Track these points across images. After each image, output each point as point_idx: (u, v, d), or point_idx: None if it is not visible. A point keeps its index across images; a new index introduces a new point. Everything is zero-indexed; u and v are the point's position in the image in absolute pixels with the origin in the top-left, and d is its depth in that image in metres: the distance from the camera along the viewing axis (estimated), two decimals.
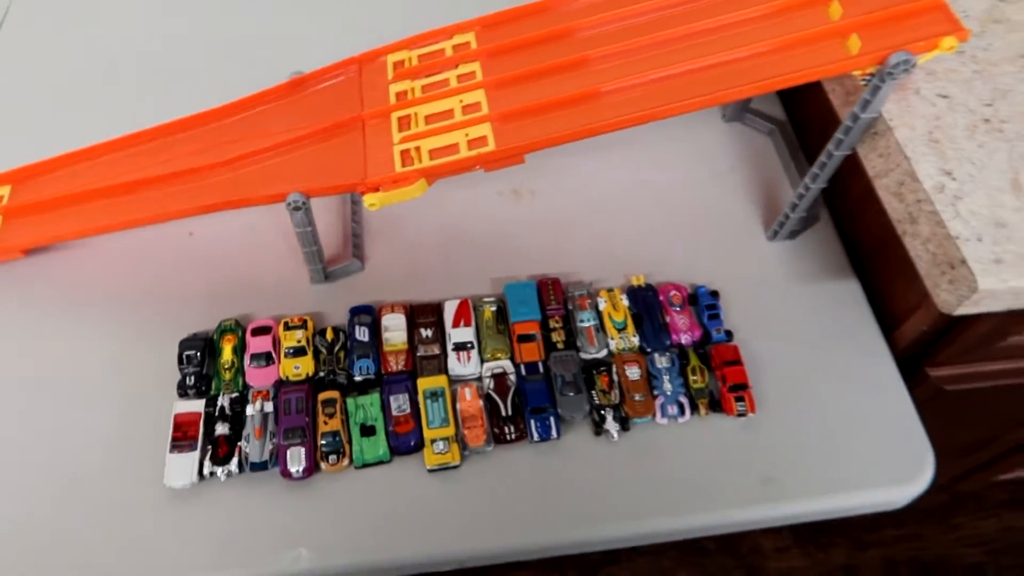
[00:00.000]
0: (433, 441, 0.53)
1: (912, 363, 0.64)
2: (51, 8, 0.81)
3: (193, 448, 0.52)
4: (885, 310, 0.63)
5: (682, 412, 0.56)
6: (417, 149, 0.53)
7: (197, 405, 0.54)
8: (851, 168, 0.57)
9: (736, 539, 1.19)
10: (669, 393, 0.57)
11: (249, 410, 0.54)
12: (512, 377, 0.57)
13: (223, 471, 0.52)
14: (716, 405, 0.57)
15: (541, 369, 0.57)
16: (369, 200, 0.52)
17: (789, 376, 0.59)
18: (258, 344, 0.57)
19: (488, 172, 0.53)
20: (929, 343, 0.62)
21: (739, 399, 0.56)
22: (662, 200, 0.69)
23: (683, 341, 0.60)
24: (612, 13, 0.55)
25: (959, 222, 0.48)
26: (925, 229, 0.50)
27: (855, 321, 0.62)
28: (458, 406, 0.55)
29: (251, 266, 0.63)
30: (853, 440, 0.56)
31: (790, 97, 0.75)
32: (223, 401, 0.54)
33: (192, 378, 0.55)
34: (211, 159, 0.56)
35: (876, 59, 0.49)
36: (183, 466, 0.52)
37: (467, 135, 0.53)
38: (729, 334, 0.60)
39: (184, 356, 0.56)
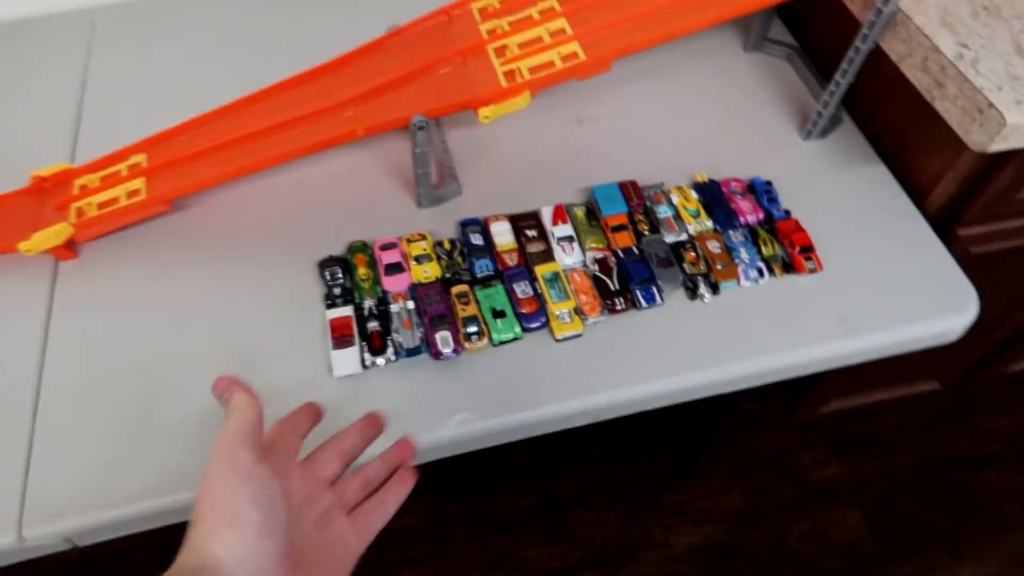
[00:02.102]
0: (558, 314, 0.62)
1: (943, 227, 0.74)
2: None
3: (352, 343, 0.60)
4: (912, 186, 0.73)
5: (761, 275, 0.66)
6: (518, 68, 0.62)
7: (346, 311, 0.62)
8: (866, 75, 0.68)
9: (777, 456, 1.28)
10: (748, 261, 0.66)
11: (394, 308, 0.62)
12: (612, 260, 0.65)
13: (382, 359, 0.59)
14: (789, 267, 0.66)
15: (636, 252, 0.66)
16: (483, 112, 0.61)
17: (842, 242, 0.68)
18: (389, 256, 0.65)
19: (581, 80, 0.62)
20: (956, 205, 0.72)
21: (807, 258, 0.66)
22: (704, 115, 0.79)
23: (749, 221, 0.69)
24: None
25: (981, 78, 0.58)
26: (952, 89, 0.60)
27: (888, 195, 0.73)
28: (571, 287, 0.63)
29: (361, 201, 0.71)
30: (907, 285, 0.66)
31: (800, 27, 0.86)
32: (368, 304, 0.62)
33: (338, 290, 0.63)
34: (330, 102, 0.64)
35: None
36: (347, 359, 0.59)
37: (559, 53, 0.62)
38: (787, 212, 0.70)
39: (326, 273, 0.64)
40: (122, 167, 0.67)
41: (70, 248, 0.65)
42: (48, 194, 0.67)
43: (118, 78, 0.82)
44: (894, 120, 0.73)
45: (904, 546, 1.21)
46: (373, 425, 0.52)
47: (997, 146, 0.58)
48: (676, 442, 1.28)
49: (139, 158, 0.67)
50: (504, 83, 0.61)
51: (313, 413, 0.52)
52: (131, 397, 0.58)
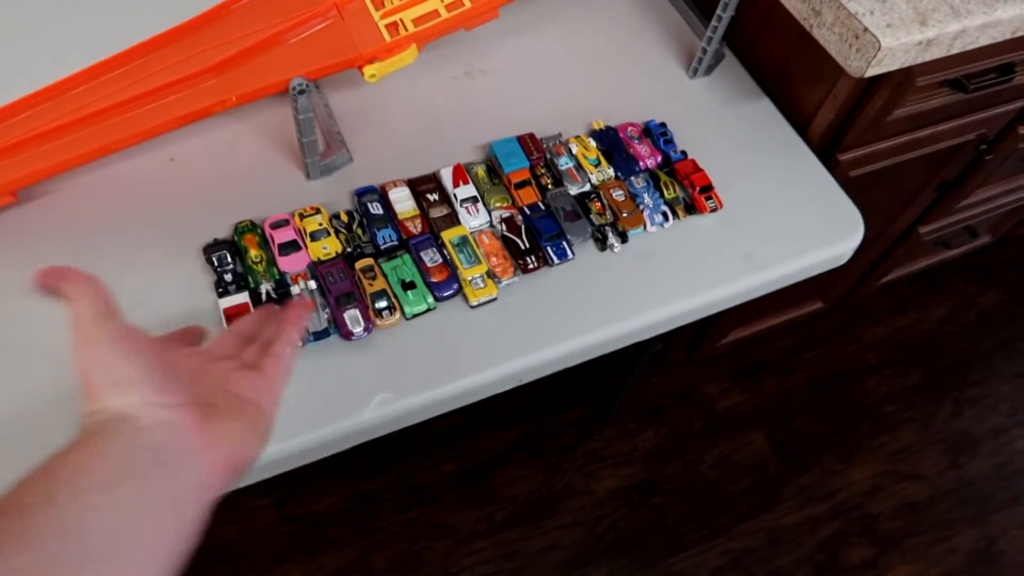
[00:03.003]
0: (470, 280, 0.59)
1: (827, 155, 0.77)
2: None
3: None
4: (795, 117, 0.75)
5: (666, 219, 0.66)
6: (401, 21, 0.58)
7: (242, 297, 0.57)
8: (744, 9, 0.69)
9: (685, 391, 1.33)
10: (652, 206, 0.66)
11: (294, 290, 0.57)
12: (519, 218, 0.63)
13: None
14: (691, 208, 0.67)
15: (542, 207, 0.64)
16: (369, 71, 0.56)
17: (737, 178, 0.69)
18: (282, 235, 0.60)
19: (469, 31, 0.59)
20: (836, 132, 0.75)
21: (708, 198, 0.67)
22: (594, 60, 0.77)
23: (649, 165, 0.69)
24: None
25: (854, 3, 0.60)
26: (829, 16, 0.61)
27: (774, 128, 0.75)
28: (480, 250, 0.61)
29: (243, 176, 0.65)
30: (800, 215, 0.68)
31: None
32: (265, 288, 0.57)
33: (229, 276, 0.57)
34: (194, 68, 0.58)
35: None
36: None
37: (443, 1, 0.58)
38: (684, 153, 0.70)
39: (213, 258, 0.58)
40: None
41: None
42: None
43: None
44: (774, 52, 0.75)
45: (804, 459, 1.29)
46: (274, 313, 0.47)
47: (873, 70, 0.60)
48: (590, 391, 1.30)
49: None
50: (388, 37, 0.57)
51: (194, 336, 0.47)
52: (23, 415, 0.51)
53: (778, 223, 0.67)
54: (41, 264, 0.47)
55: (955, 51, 0.63)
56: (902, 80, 0.68)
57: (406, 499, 1.18)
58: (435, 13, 0.58)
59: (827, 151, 0.76)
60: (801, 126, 0.75)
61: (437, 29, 0.57)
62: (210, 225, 0.61)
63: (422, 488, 1.19)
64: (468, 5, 0.57)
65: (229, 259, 0.58)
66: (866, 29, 0.58)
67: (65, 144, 0.57)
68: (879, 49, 0.58)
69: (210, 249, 0.59)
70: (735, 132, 0.74)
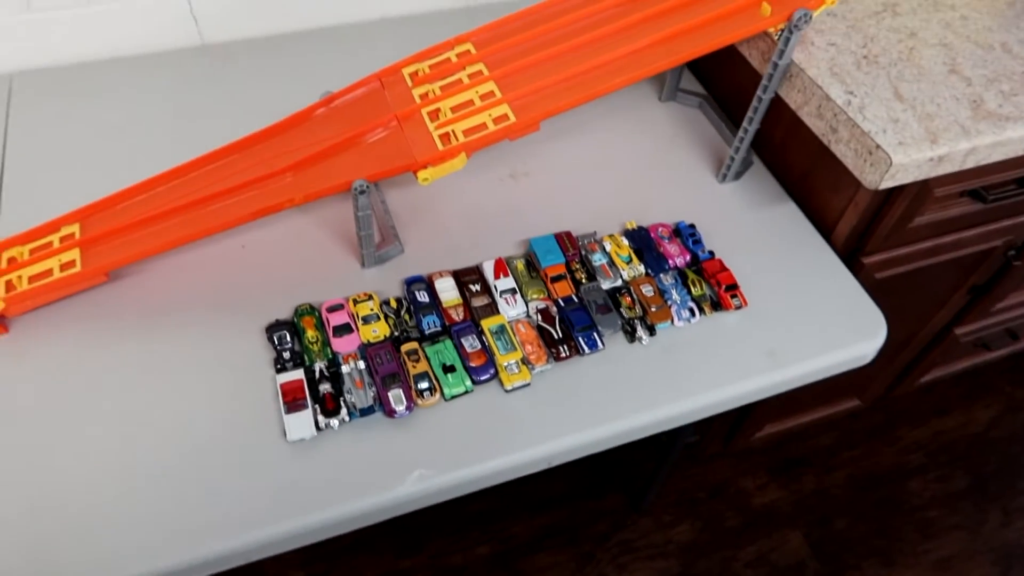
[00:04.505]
0: (506, 366, 0.64)
1: (851, 258, 0.80)
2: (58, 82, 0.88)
3: (305, 407, 0.60)
4: (820, 221, 0.79)
5: (693, 314, 0.70)
6: (452, 132, 0.65)
7: (297, 374, 0.62)
8: (772, 121, 0.74)
9: (721, 485, 1.32)
10: (679, 302, 0.70)
11: (345, 369, 0.63)
12: (554, 309, 0.68)
13: (336, 420, 0.60)
14: (717, 305, 0.71)
15: (575, 300, 0.69)
16: (423, 175, 0.63)
17: (762, 278, 0.73)
18: (337, 318, 0.66)
19: (513, 140, 0.66)
20: (859, 237, 0.78)
21: (733, 296, 0.71)
22: (630, 165, 0.84)
23: (678, 263, 0.73)
24: (572, 16, 0.70)
25: (868, 123, 0.65)
26: (845, 134, 0.67)
27: (800, 232, 0.79)
28: (516, 338, 0.66)
29: (306, 264, 0.72)
30: (824, 314, 0.71)
31: (708, 79, 0.93)
32: (319, 367, 0.63)
33: (287, 353, 0.63)
34: (268, 170, 0.66)
35: (784, 17, 0.66)
36: (301, 422, 0.59)
37: (491, 115, 0.65)
38: (712, 253, 0.75)
39: (274, 338, 0.64)
40: (54, 238, 0.66)
41: (0, 323, 0.64)
42: None
43: (40, 144, 0.80)
44: (800, 161, 0.80)
45: (843, 563, 1.26)
46: None
47: (887, 183, 0.64)
48: (625, 480, 1.30)
49: (72, 228, 0.67)
50: (440, 146, 0.64)
51: None
52: (87, 468, 0.57)
53: (801, 322, 0.71)
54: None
55: (968, 166, 0.67)
56: (919, 191, 0.72)
57: None
58: (483, 126, 0.65)
59: (851, 254, 0.80)
60: (826, 230, 0.79)
61: (484, 140, 0.64)
62: (273, 306, 0.67)
63: (455, 570, 1.20)
64: (513, 119, 0.65)
65: (288, 338, 0.64)
66: (879, 146, 0.63)
67: (155, 232, 0.65)
68: (891, 165, 0.62)
69: (272, 328, 0.65)
70: (761, 234, 0.78)
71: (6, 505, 0.55)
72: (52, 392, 0.61)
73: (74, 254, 0.65)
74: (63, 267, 0.64)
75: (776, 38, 0.69)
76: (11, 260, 0.65)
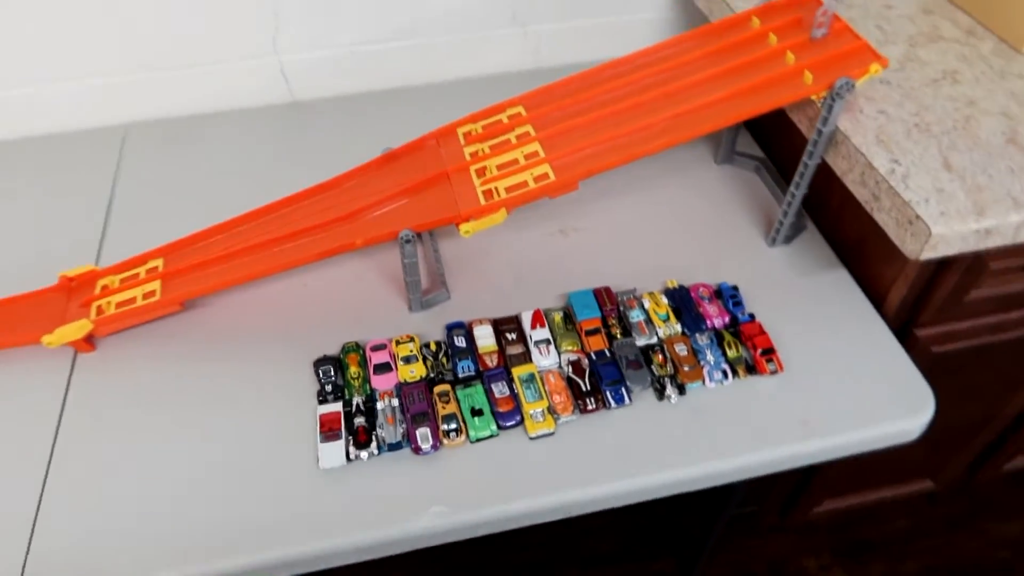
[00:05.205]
0: (531, 414, 0.66)
1: (904, 330, 0.78)
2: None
3: (339, 437, 0.64)
4: (871, 290, 0.77)
5: (725, 377, 0.70)
6: (495, 188, 0.69)
7: (336, 407, 0.67)
8: (827, 187, 0.74)
9: (781, 562, 1.26)
10: (713, 363, 0.70)
11: (379, 405, 0.67)
12: (585, 362, 0.70)
13: (366, 453, 0.64)
14: (752, 369, 0.70)
15: (608, 354, 0.71)
16: (464, 228, 0.68)
17: (804, 345, 0.72)
18: (378, 357, 0.70)
19: (553, 198, 0.69)
20: (911, 308, 0.76)
21: (769, 360, 0.70)
22: (677, 225, 0.85)
23: (715, 325, 0.74)
24: (619, 81, 0.74)
25: (910, 192, 0.64)
26: (887, 202, 0.66)
27: (849, 299, 0.77)
28: (545, 388, 0.68)
29: (358, 304, 0.77)
30: (865, 385, 0.70)
31: (767, 142, 0.94)
32: (357, 401, 0.67)
33: (330, 387, 0.68)
34: (331, 216, 0.72)
35: (826, 85, 0.67)
36: (333, 452, 0.64)
37: (532, 174, 0.69)
38: (752, 316, 0.75)
39: (320, 371, 0.69)
40: (141, 270, 0.74)
41: (89, 342, 0.72)
42: (74, 292, 0.74)
43: (144, 187, 0.91)
44: (854, 228, 0.79)
45: None
46: None
47: (928, 254, 0.63)
48: (677, 545, 1.27)
49: (156, 262, 0.75)
50: (483, 201, 0.68)
51: None
52: (139, 472, 0.63)
53: (841, 392, 0.69)
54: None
55: (1022, 240, 0.65)
56: (972, 264, 0.70)
57: None
58: (524, 184, 0.69)
59: (904, 326, 0.77)
60: (877, 300, 0.77)
61: (524, 198, 0.68)
62: (324, 342, 0.73)
63: None
64: (552, 179, 0.68)
65: (332, 372, 0.69)
66: (919, 216, 0.62)
67: (228, 268, 0.72)
68: (930, 235, 0.61)
69: (319, 363, 0.70)
70: (807, 299, 0.77)
71: (72, 498, 0.62)
72: (124, 404, 0.69)
73: (155, 285, 0.73)
74: (145, 296, 0.72)
75: (819, 105, 0.69)
76: (104, 287, 0.74)
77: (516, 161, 0.71)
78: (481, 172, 0.71)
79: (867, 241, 0.78)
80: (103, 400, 0.69)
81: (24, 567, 0.58)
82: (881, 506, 1.22)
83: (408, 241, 0.68)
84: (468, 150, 0.74)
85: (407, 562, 1.22)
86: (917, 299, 0.75)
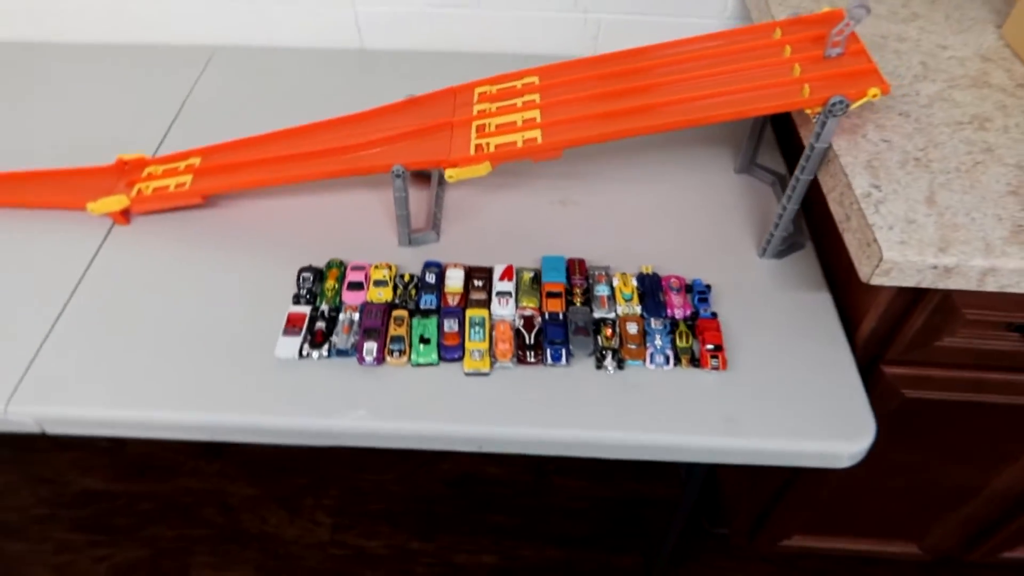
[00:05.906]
0: (471, 351, 0.71)
1: (871, 365, 0.77)
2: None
3: (298, 334, 0.72)
4: (850, 317, 0.77)
5: (667, 362, 0.72)
6: (487, 143, 0.74)
7: (305, 309, 0.75)
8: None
9: None
10: (659, 346, 0.73)
11: (341, 317, 0.74)
12: (538, 320, 0.74)
13: (316, 353, 0.71)
14: (696, 362, 0.72)
15: (561, 318, 0.74)
16: (449, 173, 0.73)
17: (760, 353, 0.73)
18: (355, 276, 0.77)
19: (535, 161, 0.73)
20: (880, 342, 0.75)
21: (714, 357, 0.72)
22: (676, 220, 0.87)
23: (676, 315, 0.76)
24: (632, 66, 0.77)
25: (877, 216, 0.64)
26: (855, 223, 0.66)
27: (823, 321, 0.77)
28: (493, 333, 0.73)
29: (355, 228, 0.84)
30: (808, 403, 0.70)
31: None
32: (324, 308, 0.74)
33: (306, 292, 0.76)
34: (345, 143, 0.79)
35: (820, 101, 0.67)
36: (289, 345, 0.71)
37: (523, 136, 0.74)
38: (714, 314, 0.76)
39: (301, 277, 0.77)
40: (181, 164, 0.85)
41: (126, 215, 0.83)
42: (124, 174, 0.86)
43: (213, 103, 1.02)
44: (847, 253, 0.78)
45: None
46: None
47: (878, 280, 0.63)
48: (647, 544, 1.28)
49: (195, 160, 0.85)
50: (472, 152, 0.74)
51: None
52: (134, 328, 0.74)
53: (780, 402, 0.69)
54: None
55: (991, 289, 0.63)
56: (941, 303, 0.68)
57: (439, 571, 1.25)
58: (513, 144, 0.73)
59: (873, 360, 0.76)
60: (851, 328, 0.76)
61: (508, 155, 0.73)
62: (315, 254, 0.81)
63: (456, 568, 1.25)
64: (539, 143, 0.72)
65: (312, 281, 0.77)
66: (875, 239, 0.62)
67: (249, 173, 0.82)
68: (881, 259, 0.61)
69: (303, 270, 0.78)
70: (779, 313, 0.77)
71: (75, 337, 0.73)
72: (139, 271, 0.80)
73: (187, 178, 0.83)
74: (177, 186, 0.82)
75: (814, 120, 0.70)
76: (149, 174, 0.85)
77: (515, 123, 0.76)
78: (481, 128, 0.77)
79: (855, 268, 0.77)
80: (123, 265, 0.80)
81: (18, 386, 0.69)
82: (868, 561, 1.18)
83: (399, 176, 0.75)
84: (478, 107, 0.79)
85: (392, 512, 1.30)
86: (887, 334, 0.74)
